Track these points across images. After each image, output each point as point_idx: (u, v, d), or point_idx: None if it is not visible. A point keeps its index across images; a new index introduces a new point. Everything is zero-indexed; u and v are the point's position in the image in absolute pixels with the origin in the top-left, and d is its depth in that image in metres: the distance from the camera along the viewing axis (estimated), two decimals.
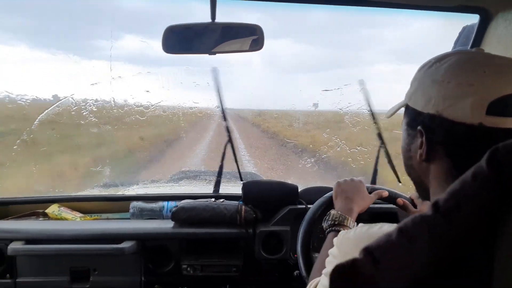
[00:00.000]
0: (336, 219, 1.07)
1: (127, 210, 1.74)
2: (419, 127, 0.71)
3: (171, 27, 1.17)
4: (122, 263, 1.57)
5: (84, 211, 1.76)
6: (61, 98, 2.39)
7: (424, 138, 0.70)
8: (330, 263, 0.74)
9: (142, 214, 1.72)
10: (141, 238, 1.56)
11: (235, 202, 1.63)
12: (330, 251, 0.77)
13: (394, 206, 1.26)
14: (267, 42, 1.26)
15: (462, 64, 0.67)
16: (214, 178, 2.11)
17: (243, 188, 1.63)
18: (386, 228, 0.67)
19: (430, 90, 0.68)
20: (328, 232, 1.08)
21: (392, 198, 1.25)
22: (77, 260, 1.55)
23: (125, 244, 1.51)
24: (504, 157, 0.42)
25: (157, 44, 1.19)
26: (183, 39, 1.19)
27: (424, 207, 1.19)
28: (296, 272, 1.55)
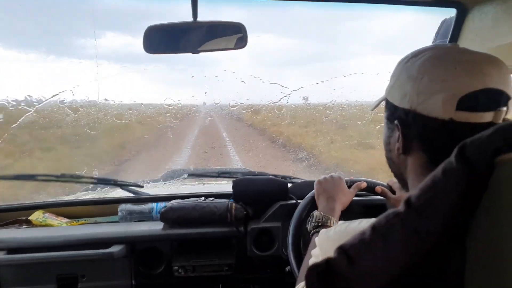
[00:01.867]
0: (319, 220, 1.09)
1: (115, 213, 1.72)
2: (396, 122, 0.74)
3: (151, 27, 1.16)
4: (112, 267, 1.55)
5: (70, 216, 1.73)
6: (45, 99, 2.35)
7: (400, 132, 0.73)
8: (311, 263, 0.75)
9: (131, 217, 1.71)
10: (130, 241, 1.55)
11: (225, 200, 1.63)
12: (313, 251, 0.79)
13: (382, 197, 1.28)
14: (250, 37, 1.27)
15: (436, 60, 0.69)
16: (203, 176, 2.11)
17: (234, 186, 1.63)
18: (364, 223, 0.68)
19: (405, 86, 0.71)
20: (313, 234, 1.09)
21: (370, 187, 1.27)
22: (64, 267, 1.53)
23: (114, 248, 1.50)
24: (472, 152, 0.43)
25: (137, 42, 1.18)
26: (164, 39, 1.18)
27: (403, 193, 1.21)
28: (288, 268, 1.56)
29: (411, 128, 0.71)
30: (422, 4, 1.32)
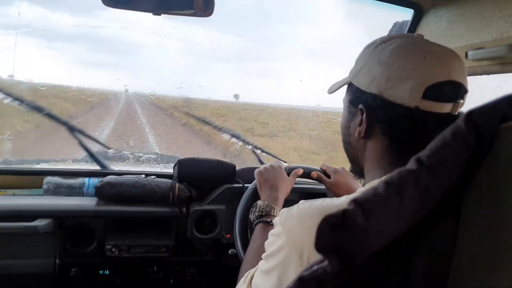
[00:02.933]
0: (263, 210, 1.08)
1: (39, 187, 1.54)
2: (360, 106, 0.74)
3: None
4: (35, 243, 1.38)
5: None
6: None
7: (364, 116, 0.74)
8: (272, 244, 0.73)
9: (58, 191, 1.53)
10: (58, 216, 1.39)
11: (168, 180, 1.54)
12: (271, 231, 0.76)
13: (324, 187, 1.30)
14: (183, 28, 1.22)
15: (407, 48, 0.71)
16: (140, 159, 1.99)
17: (178, 165, 1.55)
18: (328, 201, 0.68)
19: (375, 70, 0.71)
20: (256, 224, 1.07)
21: (306, 173, 1.29)
22: None
23: (39, 222, 1.33)
24: (479, 117, 0.44)
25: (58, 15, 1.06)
26: None
27: (338, 177, 1.25)
28: (231, 250, 1.53)
29: (376, 112, 0.72)
30: (383, 0, 1.37)
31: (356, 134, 0.76)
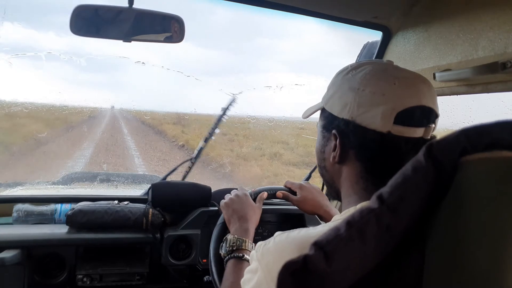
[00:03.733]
0: (234, 244, 1.05)
1: (8, 215, 1.49)
2: (333, 131, 0.74)
3: (82, 5, 1.04)
4: (1, 276, 1.33)
5: None
6: None
7: (338, 142, 0.74)
8: (249, 281, 0.70)
9: (28, 219, 1.49)
10: (26, 246, 1.34)
11: (142, 205, 1.51)
12: (248, 269, 0.73)
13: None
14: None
15: (377, 74, 0.71)
16: (114, 180, 1.95)
17: (152, 189, 1.52)
18: (304, 232, 0.67)
19: (346, 97, 0.72)
20: (227, 260, 1.04)
21: (271, 194, 1.28)
22: None
23: (6, 254, 1.28)
24: (439, 151, 0.44)
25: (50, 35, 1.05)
26: (95, 21, 1.07)
27: (304, 193, 1.24)
28: (206, 278, 1.49)
29: (349, 138, 0.72)
30: (352, 23, 1.39)
31: (330, 159, 0.76)
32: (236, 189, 1.27)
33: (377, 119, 0.67)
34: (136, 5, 1.11)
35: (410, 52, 1.31)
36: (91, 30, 1.09)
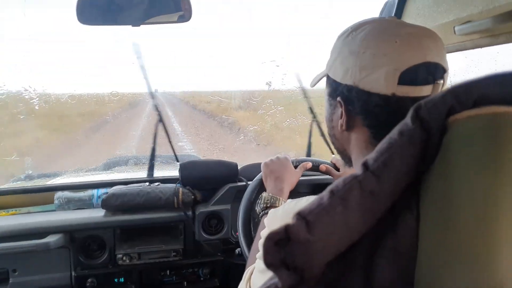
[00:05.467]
0: (268, 201, 1.08)
1: (51, 202, 1.60)
2: (338, 98, 0.72)
3: None
4: (48, 259, 1.44)
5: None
6: None
7: (343, 109, 0.72)
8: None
9: (69, 205, 1.59)
10: (68, 230, 1.44)
11: (172, 185, 1.57)
12: (262, 232, 0.77)
13: (330, 177, 1.30)
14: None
15: (376, 34, 0.68)
16: (147, 162, 2.03)
17: (180, 170, 1.57)
18: (312, 199, 0.67)
19: (347, 61, 0.69)
20: (262, 216, 1.07)
21: (315, 167, 1.28)
22: None
23: (51, 238, 1.39)
24: (426, 112, 0.42)
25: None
26: (102, 9, 1.09)
27: (348, 170, 1.22)
28: (238, 250, 1.54)
29: (354, 104, 0.70)
30: None
31: (338, 127, 0.75)
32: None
33: (381, 81, 0.65)
34: None
35: (428, 7, 1.23)
36: (99, 18, 1.11)
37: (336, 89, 0.73)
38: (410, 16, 1.33)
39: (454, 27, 1.11)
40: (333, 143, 0.83)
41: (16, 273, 1.41)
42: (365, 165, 0.43)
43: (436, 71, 0.66)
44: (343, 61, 0.70)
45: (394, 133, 0.44)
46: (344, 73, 0.70)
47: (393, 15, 1.41)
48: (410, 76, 0.64)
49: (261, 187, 1.22)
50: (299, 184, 1.24)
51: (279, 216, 0.70)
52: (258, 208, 1.10)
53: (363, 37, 0.68)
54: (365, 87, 0.67)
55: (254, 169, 1.53)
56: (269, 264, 0.41)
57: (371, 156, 0.44)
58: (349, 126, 0.73)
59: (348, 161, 0.81)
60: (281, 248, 0.40)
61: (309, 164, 1.27)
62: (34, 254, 1.41)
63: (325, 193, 0.43)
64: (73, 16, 1.04)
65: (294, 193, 1.56)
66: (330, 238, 0.41)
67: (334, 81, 0.73)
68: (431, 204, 0.43)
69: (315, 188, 1.65)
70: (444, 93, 0.43)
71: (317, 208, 0.42)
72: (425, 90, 0.65)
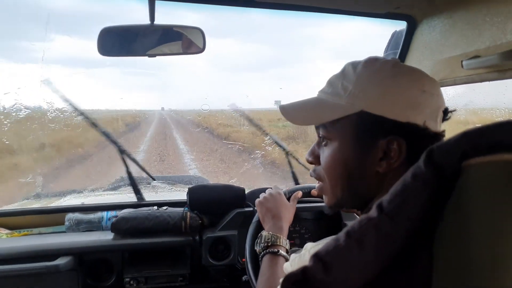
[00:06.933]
0: (269, 240, 1.07)
1: (62, 223, 1.62)
2: (390, 137, 0.65)
3: (107, 28, 1.11)
4: (57, 281, 1.45)
5: (11, 227, 1.60)
6: None
7: (404, 147, 0.64)
8: None
9: (79, 227, 1.61)
10: (78, 253, 1.46)
11: (180, 209, 1.58)
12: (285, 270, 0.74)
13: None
14: (210, 41, 1.25)
15: (417, 73, 0.70)
16: (157, 184, 2.05)
17: (189, 194, 1.59)
18: None
19: (410, 96, 0.66)
20: (263, 256, 1.07)
21: (306, 193, 1.29)
22: (4, 282, 1.40)
23: (60, 261, 1.40)
24: (439, 156, 0.44)
25: (94, 44, 1.13)
26: (120, 41, 1.14)
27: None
28: (245, 277, 1.54)
29: (417, 141, 0.64)
30: (374, 16, 1.36)
31: (378, 168, 0.67)
32: (271, 188, 1.29)
33: (434, 119, 0.68)
34: (158, 21, 1.17)
35: (436, 40, 1.26)
36: (117, 50, 1.16)
37: (381, 126, 0.66)
38: (417, 49, 1.36)
39: (461, 61, 1.13)
40: (350, 186, 0.72)
41: None
42: (379, 208, 0.45)
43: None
44: (402, 96, 0.66)
45: (407, 175, 0.46)
46: (403, 108, 0.65)
47: (400, 46, 1.44)
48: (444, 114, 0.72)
49: (261, 226, 1.21)
50: (299, 211, 1.25)
51: (307, 260, 0.69)
52: (258, 248, 1.09)
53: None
54: (429, 125, 0.66)
55: (261, 194, 1.55)
56: None
57: (385, 198, 0.46)
58: (397, 166, 0.66)
59: (358, 203, 0.74)
60: None
61: (300, 193, 1.28)
62: (44, 276, 1.42)
63: (341, 235, 0.45)
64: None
65: (299, 221, 1.57)
66: (346, 278, 0.43)
67: (381, 117, 0.65)
68: (445, 244, 0.44)
69: (322, 214, 1.65)
70: (458, 137, 0.44)
71: (334, 249, 0.44)
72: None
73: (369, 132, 0.67)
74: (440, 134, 0.68)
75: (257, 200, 1.22)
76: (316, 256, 0.44)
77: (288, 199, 1.25)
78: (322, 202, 1.53)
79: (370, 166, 0.67)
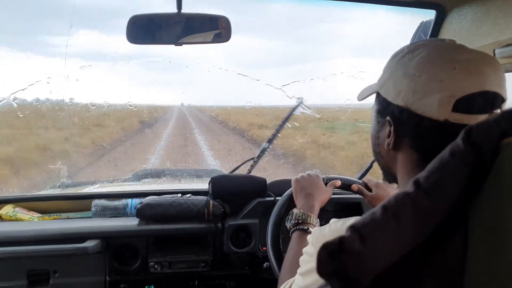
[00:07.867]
0: (299, 217, 1.08)
1: (88, 209, 1.67)
2: (388, 117, 0.71)
3: (135, 16, 1.13)
4: (85, 263, 1.50)
5: (42, 211, 1.66)
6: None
7: (392, 129, 0.71)
8: (306, 262, 0.74)
9: (105, 213, 1.66)
10: (105, 237, 1.51)
11: (203, 197, 1.61)
12: (305, 249, 0.77)
13: (359, 195, 1.29)
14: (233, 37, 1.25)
15: (434, 59, 0.66)
16: (178, 176, 2.08)
17: (211, 183, 1.61)
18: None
19: (401, 83, 0.68)
20: (293, 232, 1.08)
21: (346, 185, 1.28)
22: (35, 262, 1.47)
23: (89, 243, 1.45)
24: (478, 135, 0.44)
25: (118, 38, 1.16)
26: (147, 30, 1.16)
27: (379, 191, 1.23)
28: (266, 264, 1.55)
29: (404, 125, 0.69)
30: (401, 5, 1.34)
31: (385, 146, 0.74)
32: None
33: (434, 106, 0.63)
34: (184, 9, 1.18)
35: (467, 29, 1.23)
36: (145, 38, 1.18)
37: (386, 108, 0.72)
38: (447, 38, 1.33)
39: (494, 50, 1.10)
40: (377, 160, 0.83)
41: (57, 275, 1.48)
42: (416, 183, 0.45)
43: (495, 100, 0.64)
44: (396, 82, 0.69)
45: (445, 153, 0.46)
46: (397, 94, 0.69)
47: (428, 37, 1.41)
48: (466, 104, 0.62)
49: (290, 203, 1.23)
50: (328, 201, 1.24)
51: (326, 234, 0.70)
52: (289, 224, 1.10)
53: (419, 60, 0.67)
54: (417, 110, 0.65)
55: (282, 185, 1.55)
56: (321, 273, 0.43)
57: (422, 175, 0.46)
58: (397, 147, 0.72)
59: (392, 179, 0.80)
60: (334, 259, 0.42)
61: (339, 182, 1.26)
62: (73, 258, 1.48)
63: (377, 209, 0.45)
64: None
65: (321, 211, 1.57)
66: (381, 251, 0.43)
67: (385, 99, 0.72)
68: (480, 225, 0.44)
69: (343, 207, 1.64)
70: (497, 116, 0.44)
71: (371, 222, 0.44)
72: (480, 119, 0.62)
73: (381, 112, 0.75)
74: (445, 122, 0.63)
75: (294, 178, 1.22)
76: (353, 227, 0.44)
77: (326, 184, 1.24)
78: (350, 195, 1.53)
79: (382, 143, 0.75)
